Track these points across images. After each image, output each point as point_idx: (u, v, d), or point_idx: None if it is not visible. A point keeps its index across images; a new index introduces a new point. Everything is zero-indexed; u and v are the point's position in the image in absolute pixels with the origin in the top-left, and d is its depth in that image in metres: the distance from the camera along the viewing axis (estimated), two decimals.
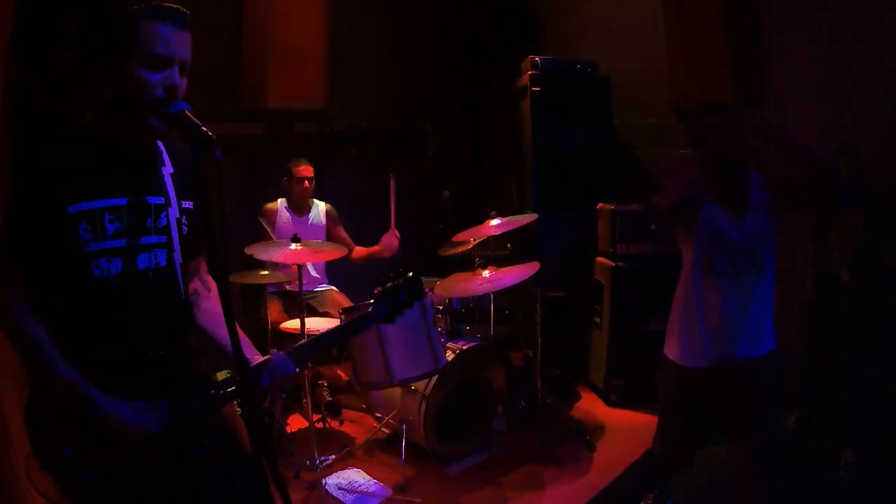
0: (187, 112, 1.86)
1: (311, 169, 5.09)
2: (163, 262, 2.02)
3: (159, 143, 2.07)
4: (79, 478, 1.89)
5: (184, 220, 2.08)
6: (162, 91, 1.87)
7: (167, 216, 2.03)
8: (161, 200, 2.02)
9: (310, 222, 5.18)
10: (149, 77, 1.85)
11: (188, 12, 1.93)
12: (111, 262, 1.92)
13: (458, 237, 4.81)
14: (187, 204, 2.09)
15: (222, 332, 2.03)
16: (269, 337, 4.54)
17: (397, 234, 5.04)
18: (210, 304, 2.24)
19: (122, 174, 1.96)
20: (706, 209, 3.17)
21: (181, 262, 2.07)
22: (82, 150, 1.91)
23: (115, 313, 1.94)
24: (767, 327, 3.29)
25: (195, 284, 2.25)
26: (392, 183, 4.82)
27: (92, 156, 1.91)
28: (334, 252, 4.59)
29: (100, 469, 1.90)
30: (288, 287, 5.06)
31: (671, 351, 3.41)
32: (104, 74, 1.88)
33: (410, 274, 2.34)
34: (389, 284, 2.34)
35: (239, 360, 1.83)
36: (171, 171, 2.07)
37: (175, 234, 2.04)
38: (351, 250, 5.16)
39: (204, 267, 2.28)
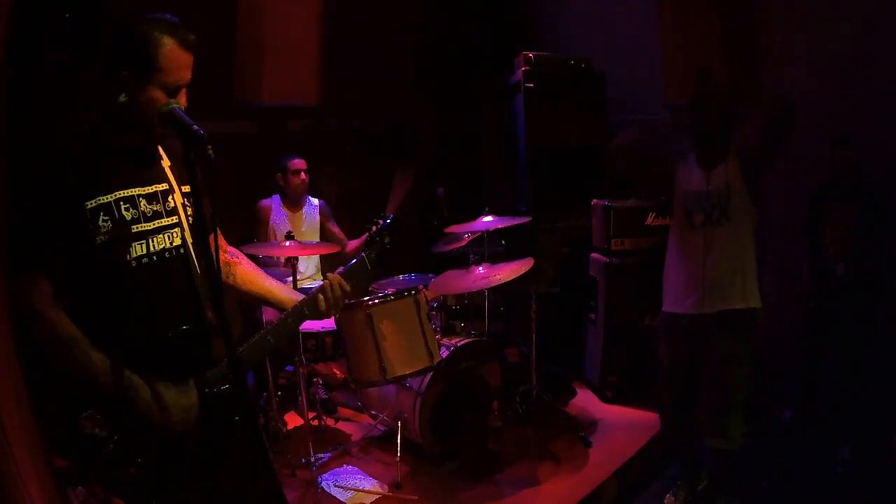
0: (177, 111, 1.95)
1: (304, 162, 5.12)
2: (177, 242, 2.18)
3: None
4: (124, 471, 1.99)
5: (186, 203, 2.23)
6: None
7: (174, 200, 2.19)
8: (166, 186, 2.18)
9: (304, 218, 5.18)
10: (164, 98, 2.00)
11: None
12: (132, 246, 2.05)
13: (450, 229, 4.81)
14: (186, 189, 2.24)
15: (265, 284, 2.44)
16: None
17: None
18: (242, 268, 2.46)
19: (130, 169, 2.11)
20: (682, 164, 3.59)
21: (192, 240, 2.22)
22: (93, 149, 2.04)
23: (138, 294, 2.07)
24: (741, 284, 3.46)
25: (224, 258, 2.44)
26: (397, 178, 4.86)
27: (102, 154, 2.05)
28: (328, 248, 4.61)
29: (143, 458, 2.00)
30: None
31: (663, 300, 3.74)
32: (121, 86, 2.01)
33: (390, 218, 2.58)
34: (374, 230, 2.57)
35: (230, 353, 1.95)
36: (169, 163, 2.22)
37: (183, 216, 2.20)
38: (344, 245, 5.16)
39: (223, 241, 2.44)
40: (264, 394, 4.53)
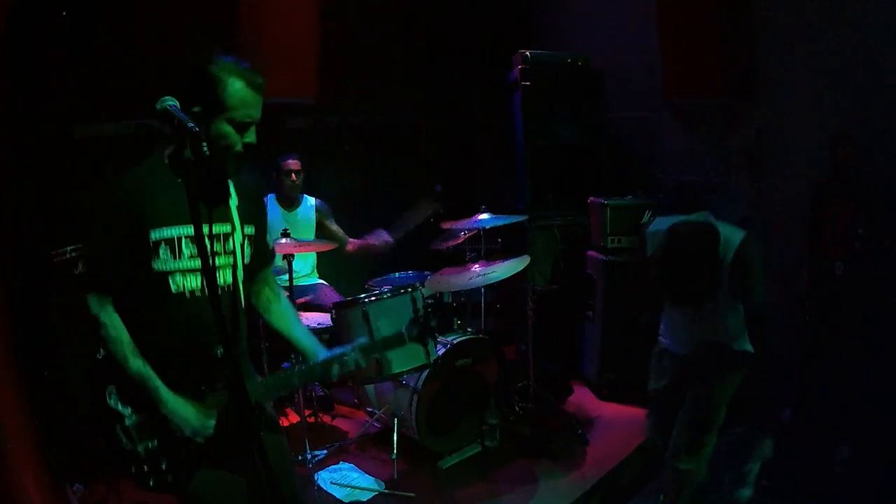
0: (172, 108, 1.92)
1: (299, 163, 5.10)
2: (229, 280, 2.33)
3: None
4: (136, 445, 2.19)
5: (246, 244, 2.40)
6: (242, 147, 2.21)
7: (233, 241, 2.34)
8: (229, 228, 2.33)
9: (299, 217, 5.17)
10: (234, 135, 2.18)
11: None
12: (187, 278, 2.23)
13: (446, 225, 4.80)
14: (249, 229, 2.42)
15: (294, 332, 2.61)
16: (261, 334, 4.51)
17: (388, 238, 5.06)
18: (281, 308, 2.67)
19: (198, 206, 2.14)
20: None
21: (244, 279, 2.38)
22: (162, 181, 2.20)
23: (185, 321, 2.24)
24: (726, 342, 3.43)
25: (267, 293, 2.66)
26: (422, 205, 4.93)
27: (171, 187, 2.17)
28: (323, 245, 4.61)
29: (157, 437, 2.21)
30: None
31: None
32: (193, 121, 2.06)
33: (439, 303, 2.71)
34: (421, 309, 2.93)
35: (229, 356, 1.92)
36: (237, 202, 2.36)
37: (239, 257, 2.35)
38: (345, 243, 5.15)
39: (270, 278, 2.68)
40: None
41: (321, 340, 4.80)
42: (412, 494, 3.91)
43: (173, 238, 2.20)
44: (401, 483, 4.01)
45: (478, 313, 5.01)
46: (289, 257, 4.16)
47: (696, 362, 3.48)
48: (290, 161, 5.07)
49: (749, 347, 3.41)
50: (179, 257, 2.20)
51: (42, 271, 3.85)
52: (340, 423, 4.89)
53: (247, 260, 2.41)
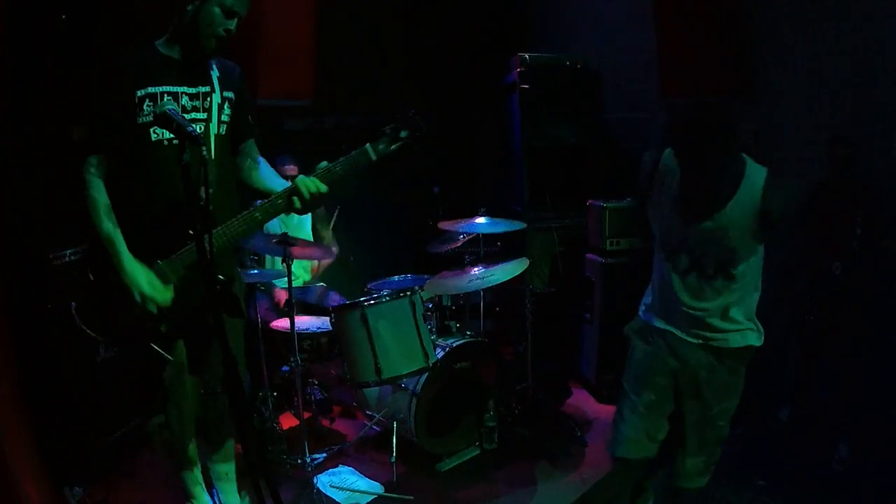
0: (172, 112, 1.99)
1: (296, 168, 5.09)
2: (200, 131, 2.66)
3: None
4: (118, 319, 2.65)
5: (225, 105, 2.82)
6: (223, 31, 2.64)
7: (211, 100, 2.76)
8: (208, 89, 2.76)
9: (295, 220, 5.15)
10: (220, 19, 2.61)
11: None
12: (164, 129, 2.55)
13: (443, 225, 4.78)
14: (228, 94, 2.84)
15: (269, 184, 3.05)
16: (259, 335, 4.50)
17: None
18: (259, 170, 3.08)
19: (182, 73, 2.69)
20: (656, 200, 3.13)
21: (216, 133, 2.78)
22: (154, 54, 2.68)
23: (162, 166, 2.61)
24: (731, 327, 2.93)
25: (249, 163, 3.06)
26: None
27: (160, 59, 2.67)
28: (316, 252, 4.60)
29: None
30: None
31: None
32: (189, 4, 2.58)
33: (412, 112, 3.05)
34: (391, 125, 2.96)
35: (227, 360, 1.92)
36: (218, 74, 2.81)
37: (216, 113, 2.76)
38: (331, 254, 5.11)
39: (253, 150, 3.07)
40: (260, 394, 4.52)
41: (320, 344, 4.86)
42: (411, 497, 3.91)
43: (156, 94, 2.61)
44: (400, 486, 4.01)
45: (476, 316, 5.01)
46: (287, 261, 4.14)
47: (693, 367, 3.02)
48: (288, 167, 5.06)
49: (754, 341, 2.93)
50: (160, 109, 2.39)
51: (41, 274, 3.85)
52: (339, 427, 4.89)
53: (224, 118, 2.81)
